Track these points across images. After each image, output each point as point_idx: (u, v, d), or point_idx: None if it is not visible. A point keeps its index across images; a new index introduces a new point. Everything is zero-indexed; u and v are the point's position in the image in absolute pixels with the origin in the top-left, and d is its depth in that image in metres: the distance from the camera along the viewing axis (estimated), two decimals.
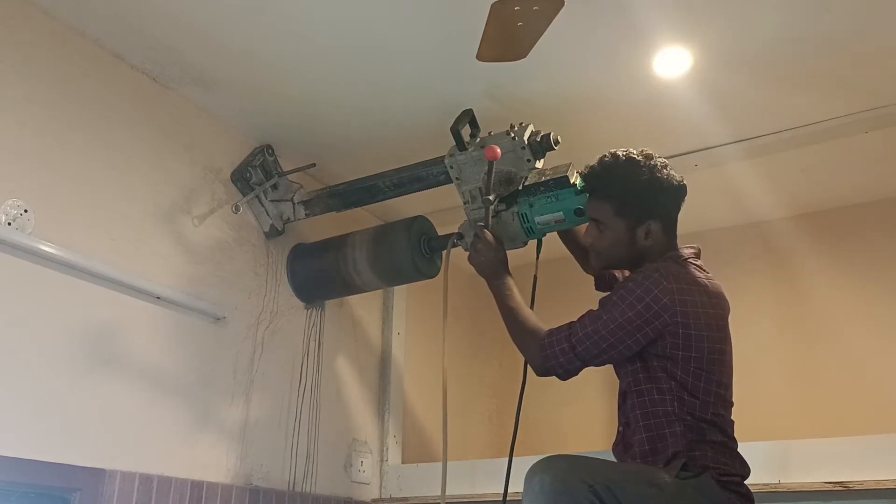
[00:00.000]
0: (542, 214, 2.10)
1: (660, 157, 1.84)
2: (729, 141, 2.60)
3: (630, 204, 1.81)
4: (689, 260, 1.80)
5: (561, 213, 2.07)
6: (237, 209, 2.57)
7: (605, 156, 1.87)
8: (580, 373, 1.78)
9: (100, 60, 2.25)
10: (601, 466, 1.63)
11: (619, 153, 1.85)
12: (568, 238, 2.20)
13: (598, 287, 2.14)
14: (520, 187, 2.13)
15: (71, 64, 2.17)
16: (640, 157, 1.82)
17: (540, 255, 2.18)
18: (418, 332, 3.34)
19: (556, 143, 2.14)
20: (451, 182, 2.28)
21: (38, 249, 1.98)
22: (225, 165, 2.60)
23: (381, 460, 3.05)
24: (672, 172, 1.83)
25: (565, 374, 1.77)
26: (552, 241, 2.18)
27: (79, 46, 2.20)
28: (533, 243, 2.18)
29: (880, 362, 2.94)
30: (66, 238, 2.05)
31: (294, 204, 2.68)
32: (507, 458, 2.02)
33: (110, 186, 2.22)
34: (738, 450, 1.75)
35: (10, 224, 1.95)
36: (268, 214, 2.69)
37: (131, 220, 2.26)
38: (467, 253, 2.09)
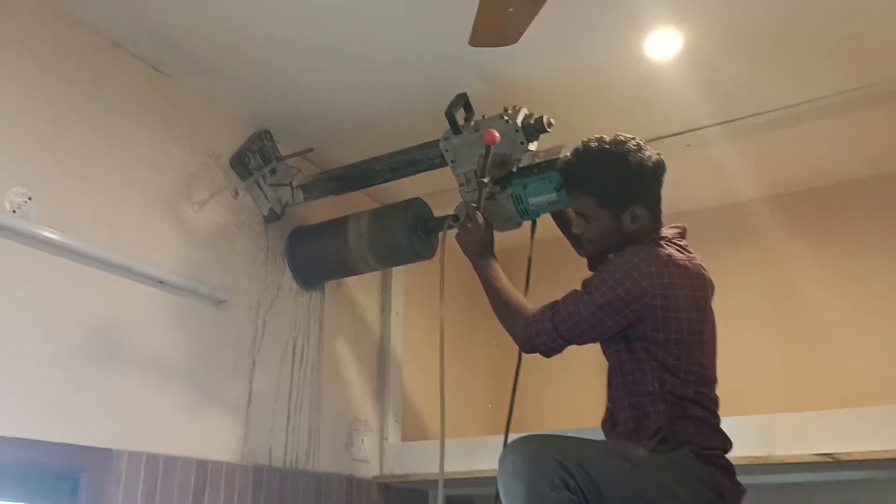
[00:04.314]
0: (535, 196, 2.13)
1: (633, 138, 1.84)
2: (719, 121, 2.63)
3: (610, 195, 1.82)
4: (673, 240, 1.82)
5: (554, 194, 2.10)
6: (237, 194, 2.61)
7: (577, 149, 1.87)
8: (565, 350, 1.81)
9: (100, 49, 2.28)
10: (573, 443, 1.66)
11: (592, 145, 1.84)
12: (561, 220, 2.22)
13: (592, 268, 2.18)
14: (514, 169, 2.17)
15: (71, 53, 2.20)
16: (611, 146, 1.82)
17: (534, 237, 2.21)
18: (417, 312, 3.39)
19: (550, 125, 2.17)
20: (447, 165, 2.32)
21: (42, 236, 2.02)
22: (224, 151, 2.64)
23: (381, 438, 3.11)
24: (647, 153, 1.82)
25: (549, 351, 1.81)
26: (546, 222, 2.22)
27: (78, 35, 2.23)
28: (527, 225, 2.22)
29: (863, 337, 3.01)
30: (69, 225, 2.09)
31: (292, 188, 2.72)
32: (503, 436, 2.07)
33: (112, 173, 2.26)
34: (724, 425, 1.78)
35: (14, 212, 1.99)
36: (267, 199, 2.73)
37: (133, 206, 2.31)
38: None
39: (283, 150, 2.76)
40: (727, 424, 1.79)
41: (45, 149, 2.10)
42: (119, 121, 2.31)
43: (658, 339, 1.72)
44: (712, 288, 1.86)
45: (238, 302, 2.58)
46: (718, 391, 1.81)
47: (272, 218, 2.75)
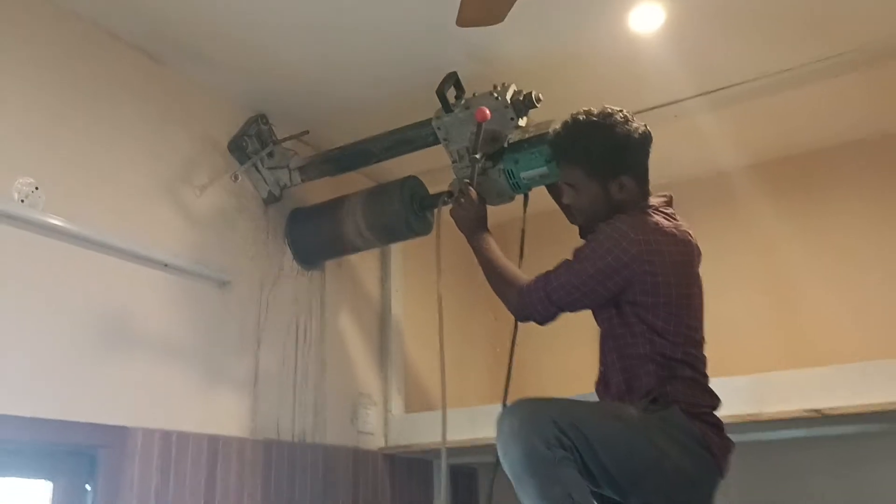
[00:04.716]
0: (527, 170, 2.19)
1: (620, 110, 1.89)
2: (702, 92, 2.69)
3: (598, 165, 1.88)
4: (660, 209, 1.88)
5: (545, 167, 2.16)
6: (236, 178, 2.67)
7: (566, 121, 1.93)
8: (559, 318, 1.87)
9: (97, 41, 2.34)
10: (567, 405, 1.72)
11: (580, 117, 1.90)
12: (555, 192, 2.28)
13: (583, 235, 2.24)
14: (505, 145, 2.23)
15: (70, 46, 2.26)
16: (599, 118, 1.87)
17: (527, 210, 2.27)
18: (416, 287, 3.46)
19: (538, 100, 2.22)
20: (440, 143, 2.38)
21: (51, 225, 2.09)
22: (222, 136, 2.70)
23: (385, 411, 3.19)
24: (634, 125, 1.87)
25: (543, 319, 1.87)
26: (538, 196, 2.28)
27: (76, 28, 2.28)
28: (520, 198, 2.28)
29: (844, 297, 3.11)
30: (75, 213, 2.16)
31: (290, 170, 2.78)
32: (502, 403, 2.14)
33: (114, 162, 2.32)
34: (717, 385, 1.84)
35: (22, 201, 2.05)
36: (265, 182, 2.79)
37: (136, 192, 2.37)
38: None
39: (279, 134, 2.82)
40: (720, 385, 1.84)
41: (50, 140, 2.16)
42: (119, 110, 2.37)
43: (647, 303, 1.78)
44: (699, 253, 1.91)
45: (241, 283, 2.65)
46: (708, 352, 1.87)
47: (271, 200, 2.81)
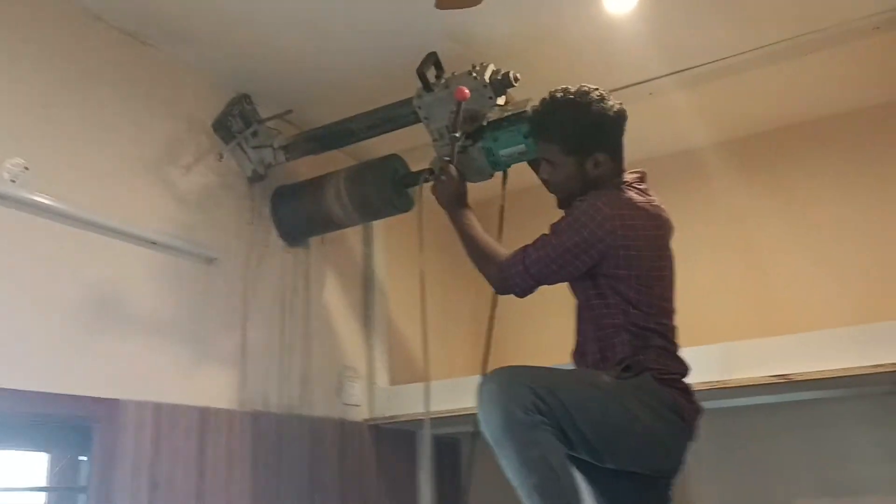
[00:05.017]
0: (505, 148, 2.25)
1: (596, 89, 1.95)
2: (674, 70, 2.76)
3: (574, 142, 1.94)
4: (633, 185, 1.94)
5: (523, 145, 2.22)
6: (220, 157, 2.72)
7: (544, 99, 1.99)
8: (537, 291, 1.94)
9: (81, 23, 2.37)
10: (544, 372, 1.79)
11: (557, 95, 1.95)
12: (536, 167, 2.35)
13: (561, 206, 2.30)
14: (484, 123, 2.29)
15: (55, 28, 2.29)
16: (576, 96, 1.93)
17: (506, 187, 2.34)
18: (399, 263, 3.52)
19: (516, 80, 2.28)
20: (421, 122, 2.43)
21: (42, 204, 2.14)
22: (206, 116, 2.74)
23: (370, 383, 3.26)
24: (609, 103, 1.93)
25: (521, 292, 1.94)
26: (516, 173, 2.34)
27: (61, 10, 2.32)
28: (500, 175, 2.34)
29: (811, 267, 3.22)
30: (65, 193, 2.21)
31: (274, 149, 2.83)
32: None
33: (101, 142, 2.37)
34: (688, 354, 1.92)
35: (13, 181, 2.09)
36: (250, 160, 2.83)
37: (123, 172, 2.42)
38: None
39: (263, 113, 2.86)
40: (690, 353, 1.92)
41: (37, 121, 2.20)
42: (105, 91, 2.40)
43: (621, 276, 1.85)
44: (671, 228, 1.98)
45: (228, 259, 2.71)
46: (681, 321, 1.94)
47: (256, 178, 2.86)
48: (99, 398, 2.19)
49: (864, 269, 3.13)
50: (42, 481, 2.20)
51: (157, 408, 2.34)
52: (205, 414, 2.49)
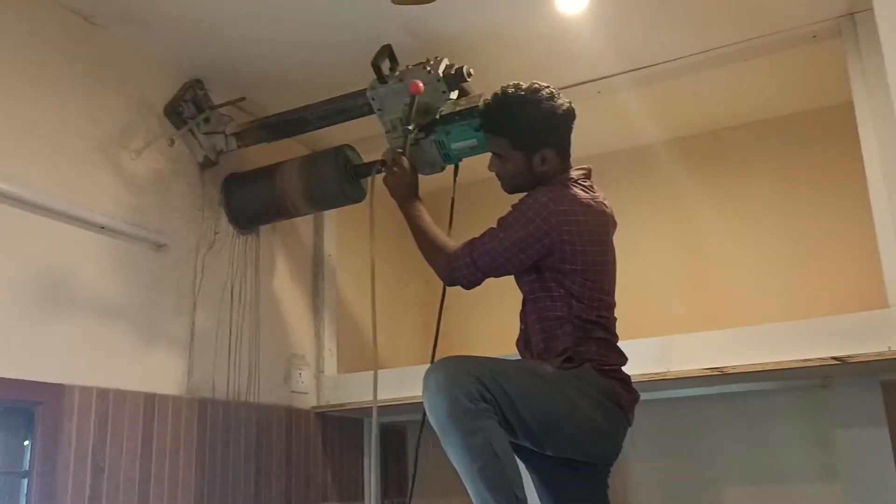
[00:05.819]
0: (457, 142, 2.28)
1: (547, 86, 2.00)
2: (624, 70, 2.84)
3: (523, 137, 1.99)
4: (579, 181, 2.00)
5: (474, 139, 2.25)
6: (172, 142, 2.70)
7: (496, 93, 2.03)
8: (484, 283, 1.98)
9: (30, 1, 2.33)
10: (488, 362, 1.82)
11: (509, 90, 2.00)
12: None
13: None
14: (437, 117, 2.32)
15: (3, 7, 2.25)
16: (527, 93, 1.98)
17: (457, 180, 2.38)
18: (349, 252, 3.54)
19: (469, 75, 2.31)
20: (374, 113, 2.44)
21: None
22: (158, 100, 2.72)
23: (318, 371, 3.28)
24: (559, 101, 1.98)
25: (469, 284, 1.99)
26: (468, 166, 2.38)
27: None
28: (451, 168, 2.38)
29: (750, 264, 3.35)
30: (11, 174, 2.18)
31: (226, 136, 2.82)
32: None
33: (51, 124, 2.34)
34: (628, 347, 1.98)
35: None
36: (201, 146, 2.82)
37: (72, 155, 2.39)
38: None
39: (216, 99, 2.85)
40: (631, 346, 1.99)
41: None
42: (54, 72, 2.37)
43: (565, 269, 1.91)
44: (614, 224, 2.06)
45: (178, 246, 2.70)
46: (626, 314, 2.02)
47: (207, 165, 2.85)
48: (42, 383, 2.18)
49: (798, 266, 3.26)
50: None
51: (103, 393, 2.33)
52: (151, 400, 2.49)
